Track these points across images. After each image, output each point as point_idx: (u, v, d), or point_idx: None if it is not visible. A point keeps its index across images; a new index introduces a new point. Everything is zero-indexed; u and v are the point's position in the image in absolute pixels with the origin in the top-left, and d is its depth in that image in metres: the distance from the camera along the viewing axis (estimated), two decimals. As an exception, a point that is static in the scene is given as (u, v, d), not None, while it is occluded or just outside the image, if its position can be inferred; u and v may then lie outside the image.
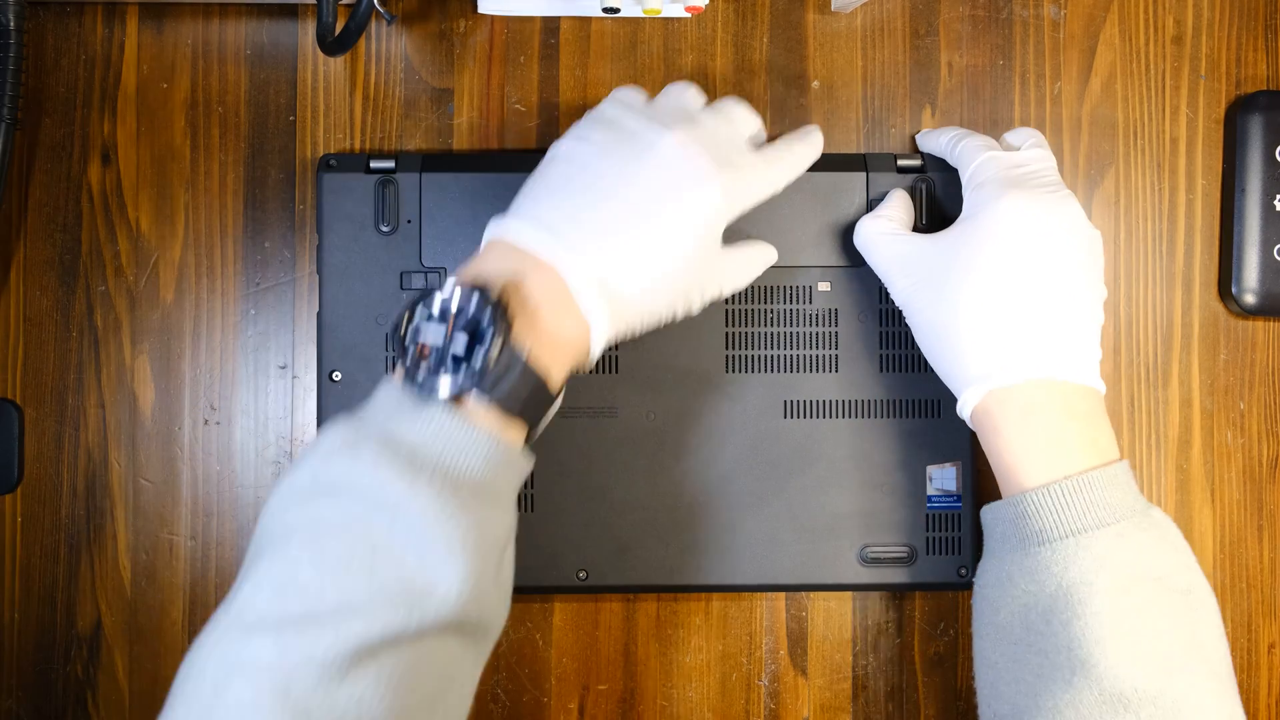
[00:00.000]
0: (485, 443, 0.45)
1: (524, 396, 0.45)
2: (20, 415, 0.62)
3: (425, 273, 0.60)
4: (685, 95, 0.55)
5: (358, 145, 0.64)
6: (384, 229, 0.60)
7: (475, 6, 0.64)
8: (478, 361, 0.44)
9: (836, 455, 0.61)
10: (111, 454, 0.63)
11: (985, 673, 0.53)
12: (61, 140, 0.63)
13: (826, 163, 0.61)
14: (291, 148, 0.64)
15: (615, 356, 0.61)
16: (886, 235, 0.59)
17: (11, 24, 0.57)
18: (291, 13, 0.64)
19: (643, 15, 0.64)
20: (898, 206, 0.60)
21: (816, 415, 0.61)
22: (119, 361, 0.63)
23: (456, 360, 0.45)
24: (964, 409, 0.55)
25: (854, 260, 0.61)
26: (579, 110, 0.64)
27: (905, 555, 0.61)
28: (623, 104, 0.54)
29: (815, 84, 0.65)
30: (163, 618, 0.62)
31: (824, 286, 0.61)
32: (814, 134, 0.57)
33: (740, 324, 0.61)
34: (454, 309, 0.45)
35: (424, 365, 0.45)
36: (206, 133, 0.63)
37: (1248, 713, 0.64)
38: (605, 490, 0.61)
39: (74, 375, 0.63)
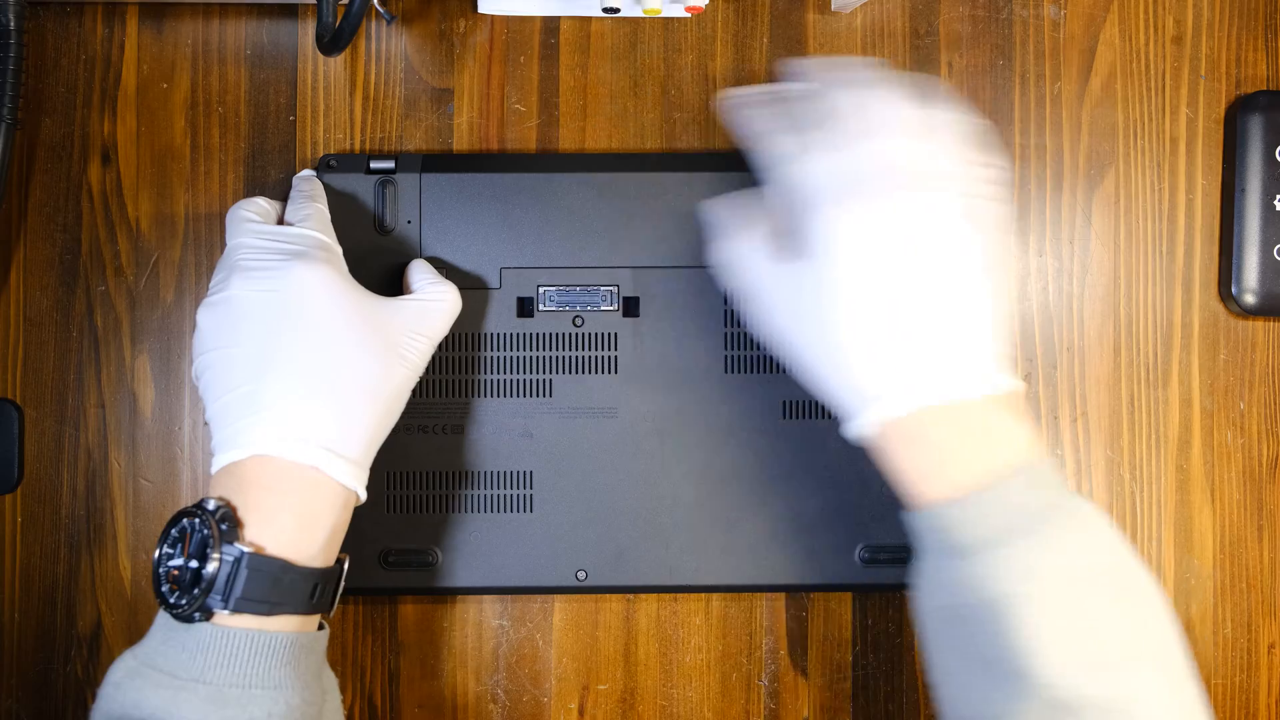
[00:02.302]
0: (240, 644, 0.48)
1: (265, 588, 0.48)
2: (20, 415, 0.62)
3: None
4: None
5: (358, 145, 0.64)
6: (384, 229, 0.60)
7: (475, 6, 0.64)
8: (206, 577, 0.47)
9: (835, 455, 0.61)
10: (111, 454, 0.63)
11: (937, 675, 0.51)
12: (61, 140, 0.63)
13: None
14: (291, 148, 0.64)
15: (615, 357, 0.61)
16: (751, 261, 0.55)
17: (11, 24, 0.57)
18: (291, 13, 0.64)
19: (643, 15, 0.64)
20: (758, 221, 0.56)
21: (815, 416, 0.61)
22: (119, 361, 0.63)
23: (195, 579, 0.48)
24: (852, 434, 0.52)
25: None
26: (579, 110, 0.64)
27: (904, 555, 0.61)
28: (234, 245, 0.55)
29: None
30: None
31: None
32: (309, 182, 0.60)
33: (739, 324, 0.61)
34: (185, 534, 0.49)
35: (175, 593, 0.48)
36: (206, 133, 0.63)
37: (1248, 713, 0.64)
38: (605, 490, 0.61)
39: (74, 375, 0.63)
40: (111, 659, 0.62)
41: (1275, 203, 0.63)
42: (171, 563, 0.49)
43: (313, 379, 0.50)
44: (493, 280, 0.61)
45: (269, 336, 0.51)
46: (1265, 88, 0.65)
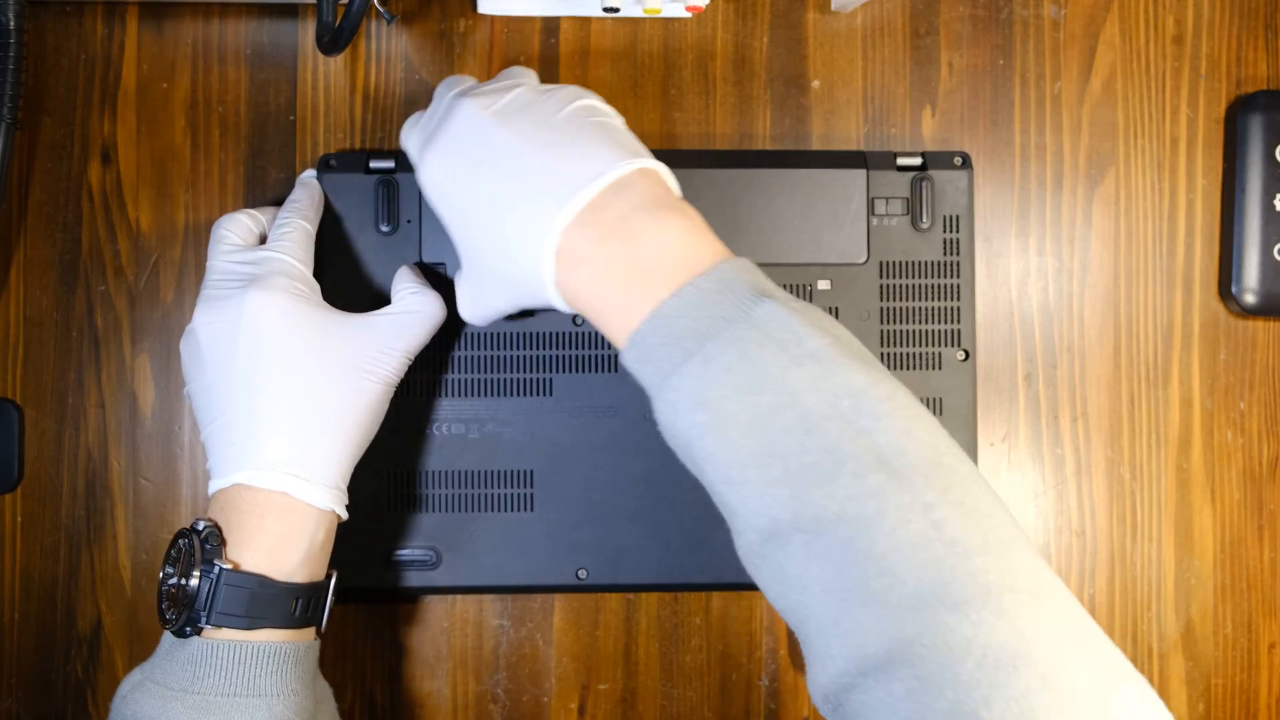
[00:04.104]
0: (225, 656, 0.50)
1: (244, 603, 0.50)
2: (20, 415, 0.62)
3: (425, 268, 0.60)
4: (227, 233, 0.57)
5: (358, 145, 0.64)
6: (384, 229, 0.60)
7: (475, 6, 0.64)
8: (191, 593, 0.50)
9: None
10: (111, 454, 0.63)
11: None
12: (61, 140, 0.63)
13: (827, 160, 0.61)
14: (291, 148, 0.64)
15: (615, 356, 0.61)
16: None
17: (11, 24, 0.57)
18: (291, 13, 0.64)
19: (643, 15, 0.64)
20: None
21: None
22: (119, 361, 0.63)
23: (185, 596, 0.50)
24: (555, 302, 0.50)
25: (854, 258, 0.61)
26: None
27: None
28: (211, 268, 0.56)
29: (815, 84, 0.65)
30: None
31: (824, 285, 0.61)
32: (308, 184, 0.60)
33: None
34: (178, 553, 0.51)
35: (170, 609, 0.51)
36: (206, 133, 0.63)
37: (1248, 713, 0.64)
38: (604, 489, 0.60)
39: (74, 375, 0.63)
40: (111, 659, 0.62)
41: (1275, 203, 0.63)
42: (169, 581, 0.51)
43: (275, 407, 0.52)
44: None
45: (229, 368, 0.52)
46: (1265, 88, 0.65)
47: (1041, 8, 0.65)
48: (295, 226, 0.57)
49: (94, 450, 0.63)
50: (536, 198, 0.48)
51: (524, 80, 0.53)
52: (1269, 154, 0.63)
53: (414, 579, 0.60)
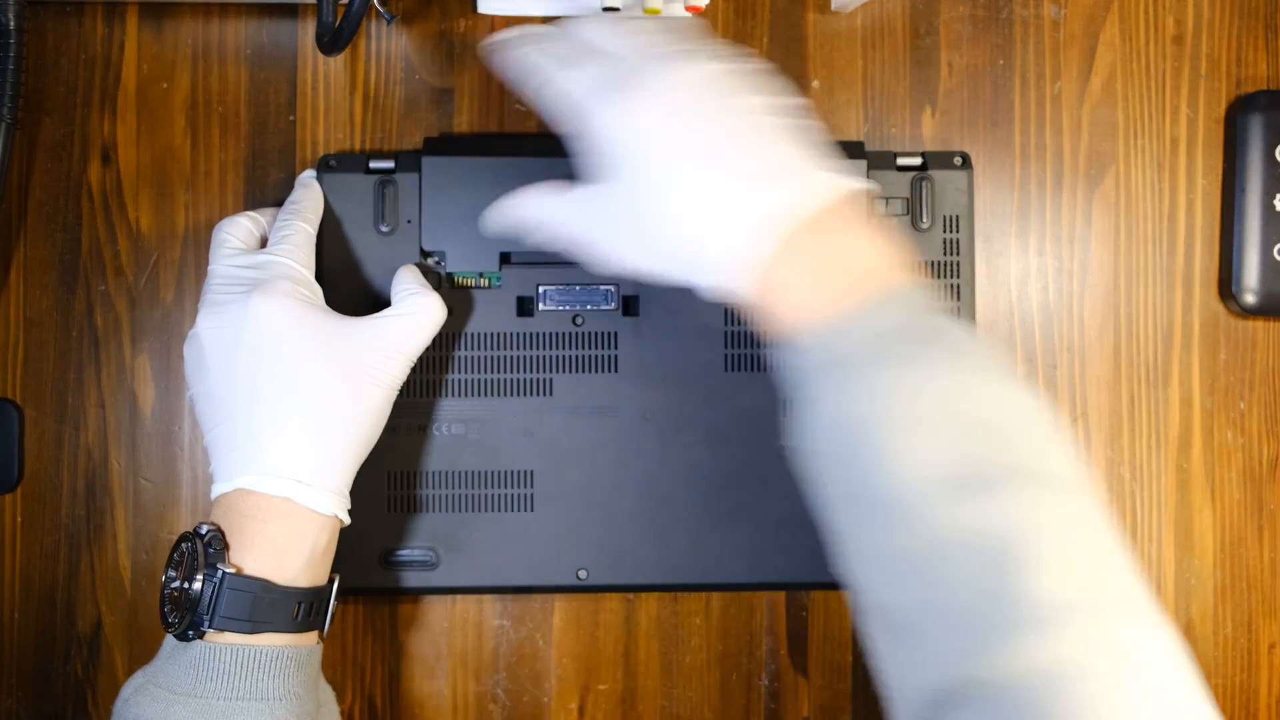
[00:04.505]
0: (227, 659, 0.50)
1: (246, 607, 0.50)
2: (20, 415, 0.62)
3: (425, 259, 0.60)
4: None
5: (358, 145, 0.64)
6: (384, 229, 0.60)
7: (475, 6, 0.64)
8: (192, 596, 0.50)
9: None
10: (111, 454, 0.63)
11: (831, 527, 0.48)
12: (61, 140, 0.63)
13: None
14: (291, 148, 0.64)
15: (615, 356, 0.61)
16: (542, 201, 0.53)
17: (11, 24, 0.57)
18: (291, 13, 0.64)
19: (643, 15, 0.64)
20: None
21: (816, 415, 0.61)
22: (119, 361, 0.63)
23: (187, 599, 0.50)
24: (734, 278, 0.49)
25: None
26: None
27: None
28: (212, 272, 0.56)
29: (815, 84, 0.65)
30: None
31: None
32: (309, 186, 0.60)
33: (740, 323, 0.61)
34: (180, 557, 0.51)
35: (173, 613, 0.51)
36: (206, 133, 0.63)
37: (1248, 713, 0.64)
38: (605, 490, 0.60)
39: (74, 375, 0.63)
40: (111, 659, 0.62)
41: (1275, 203, 0.63)
42: (172, 584, 0.51)
43: (278, 412, 0.52)
44: (493, 267, 0.60)
45: (232, 373, 0.52)
46: (1265, 88, 0.65)
47: (1041, 8, 0.65)
48: (296, 229, 0.57)
49: (94, 450, 0.63)
50: (753, 190, 0.47)
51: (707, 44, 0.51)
52: (1269, 154, 0.63)
53: (414, 579, 0.60)
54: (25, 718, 0.62)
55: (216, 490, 0.52)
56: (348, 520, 0.54)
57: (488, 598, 0.63)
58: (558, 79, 0.51)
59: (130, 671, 0.62)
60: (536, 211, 0.53)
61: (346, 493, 0.54)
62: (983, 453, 0.43)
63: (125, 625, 0.63)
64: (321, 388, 0.52)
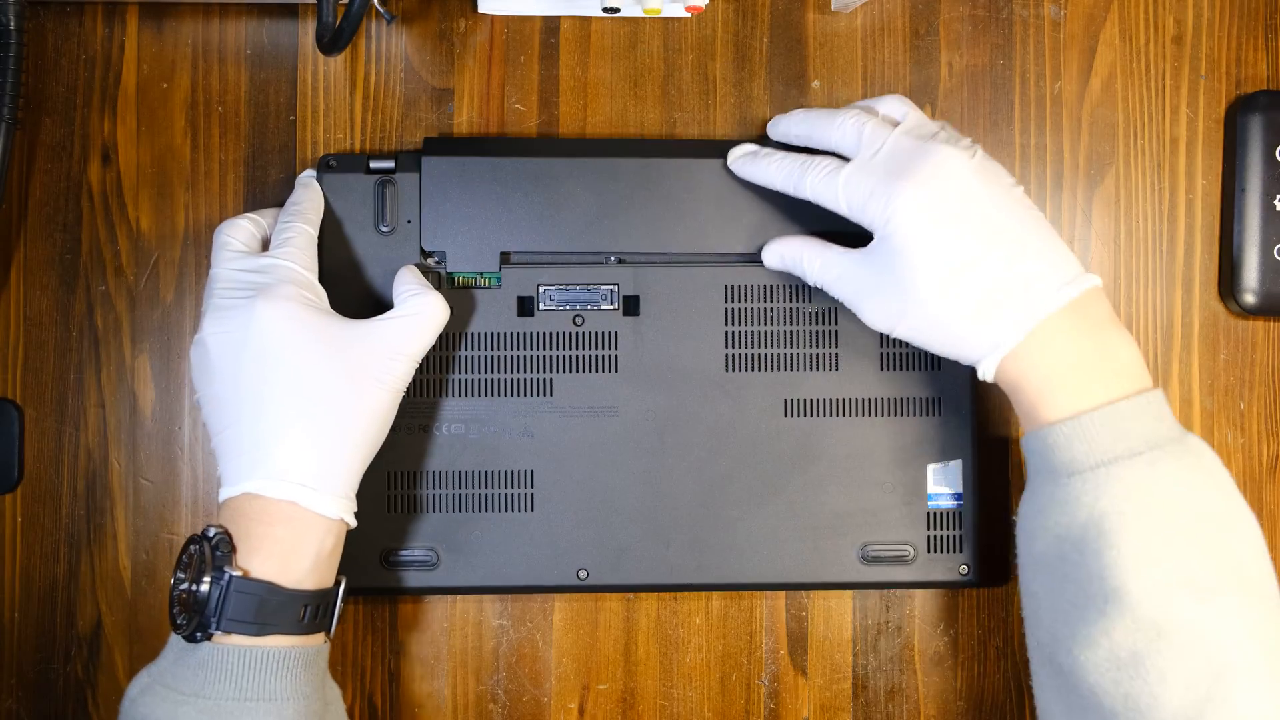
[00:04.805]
0: (235, 660, 0.50)
1: (253, 609, 0.51)
2: (20, 415, 0.62)
3: (426, 259, 0.60)
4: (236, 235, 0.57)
5: (358, 145, 0.64)
6: (384, 229, 0.60)
7: (475, 6, 0.64)
8: (200, 598, 0.50)
9: (837, 454, 0.61)
10: (111, 454, 0.63)
11: (1028, 602, 0.54)
12: (61, 140, 0.63)
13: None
14: (291, 148, 0.64)
15: (615, 356, 0.61)
16: (816, 251, 0.58)
17: (11, 24, 0.57)
18: (291, 13, 0.64)
19: (643, 15, 0.64)
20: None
21: (816, 414, 0.61)
22: (119, 361, 0.63)
23: (194, 601, 0.51)
24: (986, 376, 0.54)
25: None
26: (579, 110, 0.64)
27: (906, 554, 0.61)
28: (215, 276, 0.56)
29: (815, 84, 0.65)
30: (163, 618, 0.62)
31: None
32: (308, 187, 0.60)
33: (740, 323, 0.61)
34: (189, 559, 0.52)
35: (181, 614, 0.51)
36: (206, 133, 0.63)
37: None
38: (605, 489, 0.60)
39: (74, 375, 0.63)
40: (111, 659, 0.62)
41: (1275, 203, 0.63)
42: (181, 586, 0.51)
43: (284, 417, 0.52)
44: (493, 267, 0.61)
45: (238, 378, 0.52)
46: (1265, 88, 0.65)
47: (1041, 8, 0.65)
48: (298, 231, 0.57)
49: (94, 450, 0.63)
50: (1024, 278, 0.52)
51: (931, 121, 0.57)
52: (1269, 154, 0.63)
53: (414, 579, 0.60)
54: (25, 718, 0.62)
55: (224, 494, 0.53)
56: (354, 523, 0.54)
57: (487, 598, 0.63)
58: (830, 175, 0.55)
59: (131, 671, 0.62)
60: (817, 258, 0.58)
61: (352, 496, 0.54)
62: (1213, 562, 0.49)
63: (125, 625, 0.62)
64: (327, 392, 0.53)
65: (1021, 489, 0.65)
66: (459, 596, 0.63)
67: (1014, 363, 0.52)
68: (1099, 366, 0.52)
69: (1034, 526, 0.52)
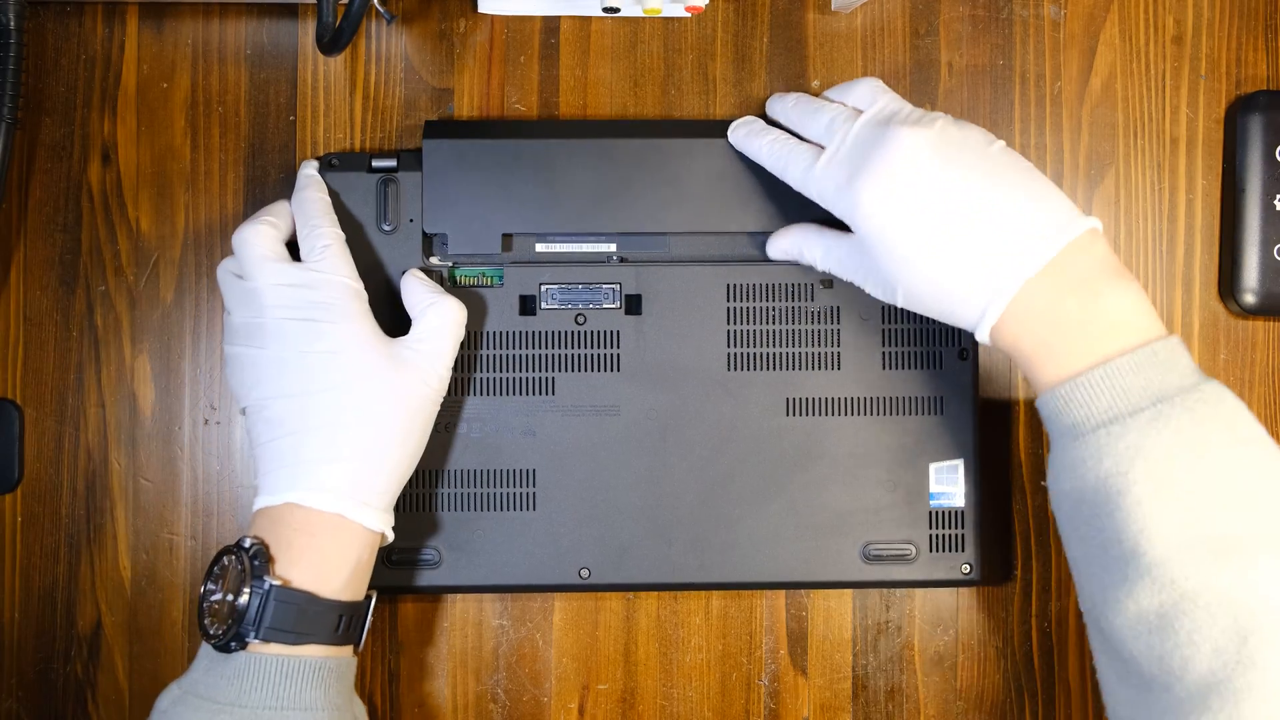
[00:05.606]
0: (273, 669, 0.51)
1: (293, 618, 0.51)
2: (20, 415, 0.62)
3: (426, 261, 0.60)
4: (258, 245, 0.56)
5: (358, 145, 0.64)
6: (386, 228, 0.60)
7: (475, 6, 0.64)
8: (239, 609, 0.51)
9: (838, 453, 0.61)
10: (111, 454, 0.63)
11: (1072, 567, 0.52)
12: (61, 140, 0.63)
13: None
14: (291, 148, 0.64)
15: (617, 355, 0.61)
16: (816, 239, 0.58)
17: (11, 24, 0.57)
18: (291, 13, 0.64)
19: (643, 15, 0.64)
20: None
21: (818, 413, 0.61)
22: (119, 361, 0.63)
23: (231, 611, 0.51)
24: (982, 339, 0.53)
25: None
26: (579, 109, 0.64)
27: (908, 553, 0.61)
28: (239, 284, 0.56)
29: (815, 84, 0.65)
30: (163, 618, 0.62)
31: (825, 285, 0.61)
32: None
33: (741, 322, 0.61)
34: (225, 569, 0.52)
35: (214, 624, 0.52)
36: (206, 133, 0.63)
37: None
38: (607, 489, 0.60)
39: (74, 375, 0.63)
40: (111, 659, 0.62)
41: (1275, 203, 0.63)
42: (213, 597, 0.52)
43: (348, 435, 0.53)
44: (495, 248, 0.60)
45: (309, 394, 0.53)
46: (1265, 88, 0.66)
47: (1041, 8, 0.65)
48: (331, 238, 0.56)
49: (94, 450, 0.63)
50: (998, 246, 0.50)
51: (895, 101, 0.56)
52: (1269, 154, 0.64)
53: (416, 578, 0.60)
54: (25, 718, 0.62)
55: (261, 503, 0.53)
56: (391, 537, 0.55)
57: (488, 597, 0.63)
58: (807, 170, 0.56)
59: (131, 671, 0.62)
60: (817, 246, 0.58)
61: (392, 509, 0.55)
62: (1234, 517, 0.46)
63: (125, 625, 0.62)
64: (374, 407, 0.53)
65: (1023, 487, 0.65)
66: (459, 596, 0.63)
67: (1006, 330, 0.51)
68: (1088, 324, 0.50)
69: (1056, 491, 0.51)
